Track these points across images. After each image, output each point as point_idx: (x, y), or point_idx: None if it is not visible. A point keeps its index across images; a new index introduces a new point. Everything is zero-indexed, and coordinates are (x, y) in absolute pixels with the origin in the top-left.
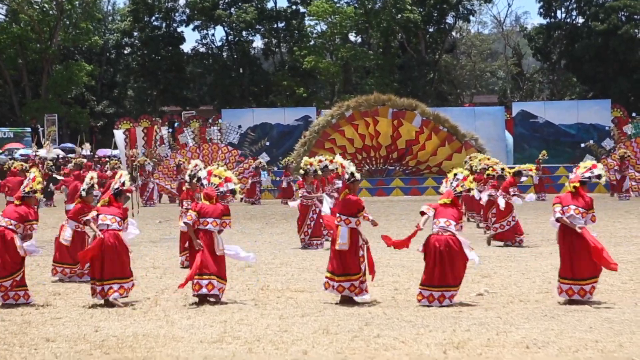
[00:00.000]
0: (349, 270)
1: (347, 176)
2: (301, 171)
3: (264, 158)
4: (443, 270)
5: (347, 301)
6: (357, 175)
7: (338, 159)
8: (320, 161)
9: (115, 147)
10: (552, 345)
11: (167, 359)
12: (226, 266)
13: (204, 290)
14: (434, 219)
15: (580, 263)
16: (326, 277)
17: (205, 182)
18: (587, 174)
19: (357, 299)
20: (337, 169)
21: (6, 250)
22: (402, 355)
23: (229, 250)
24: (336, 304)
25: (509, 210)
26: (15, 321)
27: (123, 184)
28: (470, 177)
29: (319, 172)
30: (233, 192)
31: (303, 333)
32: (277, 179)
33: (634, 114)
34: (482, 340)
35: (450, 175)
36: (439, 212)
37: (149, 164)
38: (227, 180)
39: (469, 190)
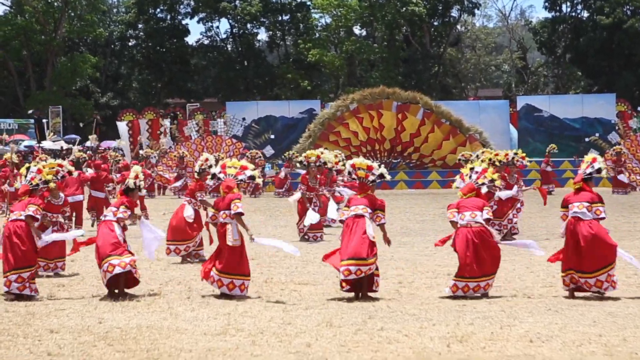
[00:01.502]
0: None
1: (372, 178)
2: (302, 164)
3: (268, 151)
4: (479, 261)
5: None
6: (388, 176)
7: (364, 160)
8: (319, 156)
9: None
10: (556, 339)
11: (171, 350)
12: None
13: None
14: (459, 215)
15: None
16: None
17: (221, 175)
18: (589, 170)
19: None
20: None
21: (22, 242)
22: (406, 348)
23: (260, 241)
24: (342, 295)
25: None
26: (19, 312)
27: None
28: (491, 169)
29: (324, 166)
30: (252, 177)
31: (306, 326)
32: (279, 170)
33: (639, 108)
34: (485, 334)
35: (466, 170)
36: (461, 207)
37: (154, 156)
38: (243, 168)
39: (492, 181)
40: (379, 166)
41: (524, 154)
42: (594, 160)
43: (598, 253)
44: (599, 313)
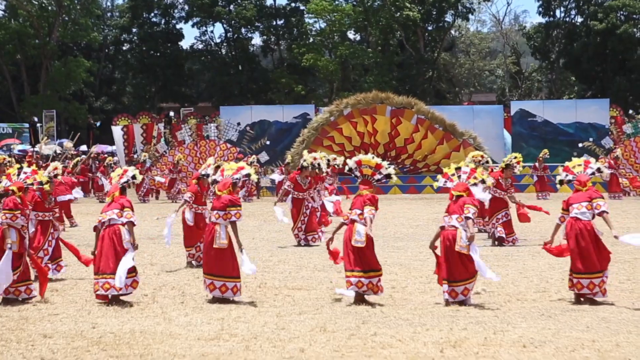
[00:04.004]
0: (368, 267)
1: (378, 177)
2: (303, 163)
3: (263, 157)
4: (450, 265)
5: (360, 300)
6: (394, 177)
7: (372, 158)
8: (315, 158)
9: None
10: (549, 345)
11: (165, 355)
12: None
13: (216, 293)
14: (445, 216)
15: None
16: (346, 276)
17: (219, 178)
18: (589, 171)
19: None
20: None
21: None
22: (399, 353)
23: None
24: (336, 300)
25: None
26: (13, 317)
27: (134, 177)
28: (480, 169)
29: (317, 169)
30: (248, 175)
31: (300, 331)
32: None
33: (630, 111)
34: (479, 339)
35: (451, 170)
36: (449, 209)
37: (147, 159)
38: (240, 168)
39: (483, 181)
40: (389, 166)
41: (520, 159)
42: (588, 162)
43: (595, 256)
44: (592, 318)
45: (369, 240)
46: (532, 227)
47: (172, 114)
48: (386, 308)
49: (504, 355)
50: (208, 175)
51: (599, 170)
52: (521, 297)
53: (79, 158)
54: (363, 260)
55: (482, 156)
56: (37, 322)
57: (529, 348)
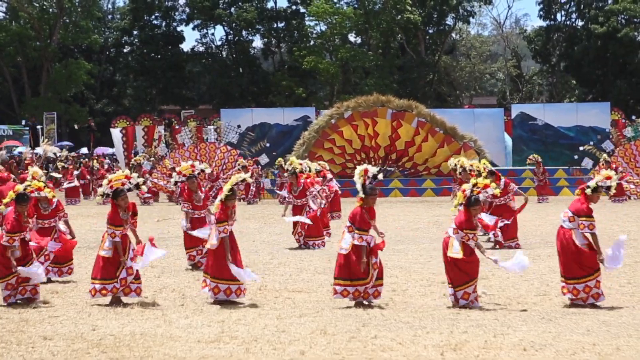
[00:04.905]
0: (354, 276)
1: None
2: (288, 170)
3: (263, 159)
4: (446, 269)
5: (361, 303)
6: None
7: (358, 172)
8: (300, 164)
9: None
10: (550, 348)
11: (165, 358)
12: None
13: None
14: None
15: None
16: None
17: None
18: (600, 184)
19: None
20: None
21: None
22: (400, 356)
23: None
24: (336, 303)
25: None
26: (13, 319)
27: (137, 186)
28: (493, 184)
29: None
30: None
31: (300, 333)
32: (275, 178)
33: (633, 117)
34: (479, 342)
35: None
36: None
37: (147, 162)
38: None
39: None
40: (360, 182)
41: (483, 164)
42: (609, 177)
43: (572, 262)
44: (593, 322)
45: (356, 248)
46: (533, 231)
47: (173, 122)
48: (386, 311)
49: (504, 358)
50: (195, 177)
51: (608, 188)
52: (522, 301)
53: (63, 163)
54: (350, 268)
55: (461, 166)
56: (37, 324)
57: (530, 351)
